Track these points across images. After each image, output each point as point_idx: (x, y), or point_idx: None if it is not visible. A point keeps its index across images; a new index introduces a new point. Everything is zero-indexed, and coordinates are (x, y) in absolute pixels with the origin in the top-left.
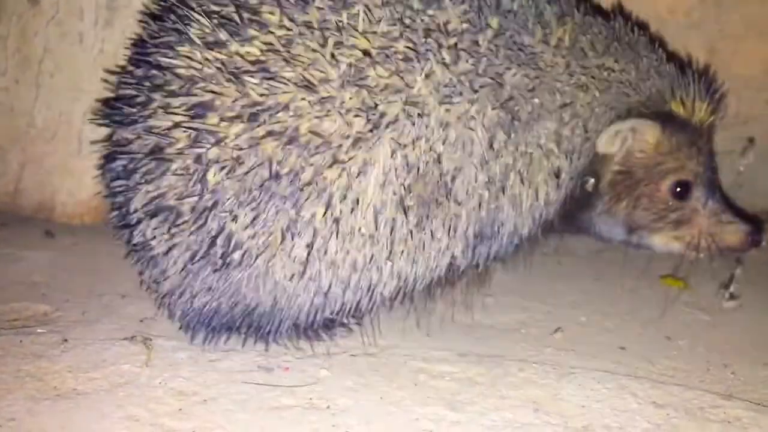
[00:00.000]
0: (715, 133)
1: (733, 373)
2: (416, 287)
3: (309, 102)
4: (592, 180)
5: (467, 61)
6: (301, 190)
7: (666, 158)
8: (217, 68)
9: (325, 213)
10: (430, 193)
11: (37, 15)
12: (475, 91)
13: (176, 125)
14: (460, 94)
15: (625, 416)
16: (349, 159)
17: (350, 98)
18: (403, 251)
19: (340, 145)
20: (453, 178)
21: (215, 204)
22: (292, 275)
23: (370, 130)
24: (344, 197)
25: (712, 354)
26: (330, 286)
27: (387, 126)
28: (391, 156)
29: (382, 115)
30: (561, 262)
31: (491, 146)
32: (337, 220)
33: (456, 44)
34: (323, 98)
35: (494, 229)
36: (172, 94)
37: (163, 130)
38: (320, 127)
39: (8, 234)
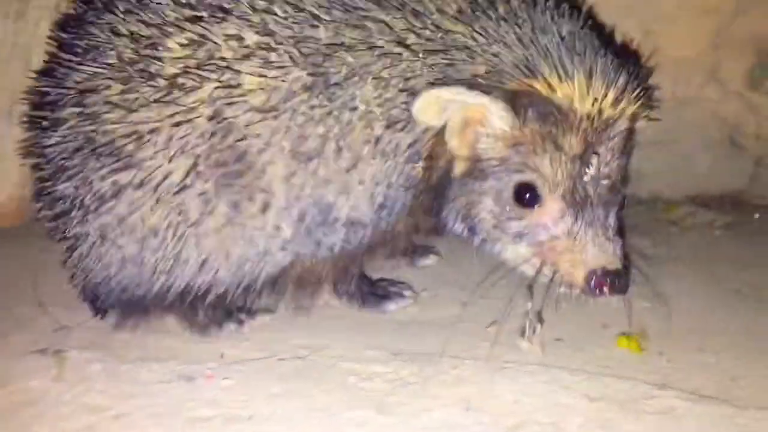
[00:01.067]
0: (617, 132)
1: (669, 361)
2: (261, 276)
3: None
4: (421, 163)
5: (276, 24)
6: (110, 158)
7: (514, 151)
8: None
9: (115, 175)
10: (225, 160)
11: None
12: (282, 54)
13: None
14: (264, 58)
15: (557, 411)
16: (140, 123)
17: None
18: (215, 227)
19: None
20: (255, 148)
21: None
22: (94, 242)
23: (162, 97)
24: (138, 163)
25: (648, 341)
26: (143, 258)
27: (178, 92)
28: (176, 122)
29: (172, 83)
30: None
31: (296, 110)
32: (139, 185)
33: (267, 8)
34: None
35: (324, 213)
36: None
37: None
38: (125, 97)
39: None
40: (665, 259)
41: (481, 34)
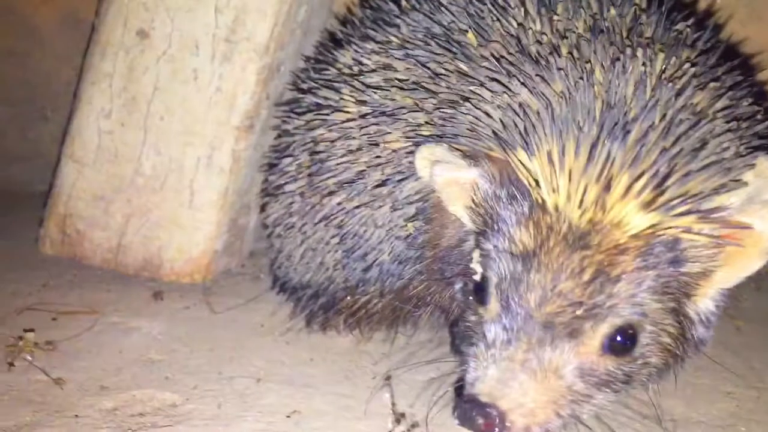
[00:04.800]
0: (602, 245)
1: None
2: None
3: None
4: (414, 222)
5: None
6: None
7: (485, 229)
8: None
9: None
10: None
11: (146, 50)
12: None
13: None
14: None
15: None
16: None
17: None
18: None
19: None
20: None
21: None
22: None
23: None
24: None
25: None
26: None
27: None
28: None
29: None
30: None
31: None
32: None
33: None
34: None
35: (354, 241)
36: None
37: None
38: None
39: (113, 297)
40: None
41: (487, 89)
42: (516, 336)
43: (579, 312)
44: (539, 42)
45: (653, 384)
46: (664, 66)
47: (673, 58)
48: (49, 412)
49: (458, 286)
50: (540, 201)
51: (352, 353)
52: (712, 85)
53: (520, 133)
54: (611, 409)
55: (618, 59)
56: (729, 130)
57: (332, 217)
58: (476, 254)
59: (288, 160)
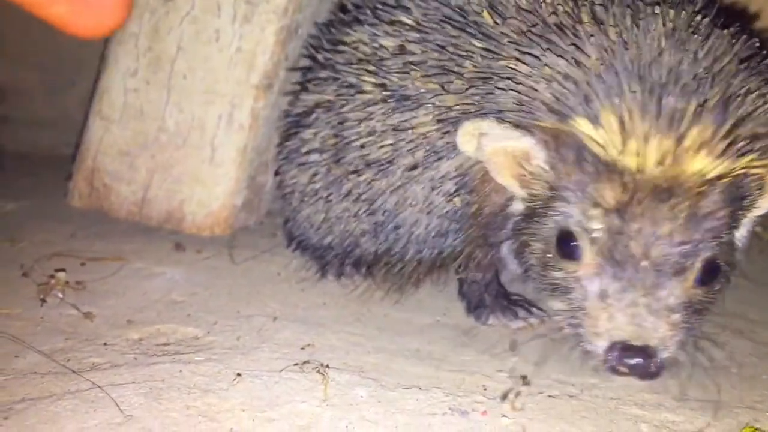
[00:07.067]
0: (685, 190)
1: None
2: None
3: None
4: (459, 197)
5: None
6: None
7: (557, 194)
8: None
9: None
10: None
11: (170, 11)
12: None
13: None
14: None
15: None
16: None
17: None
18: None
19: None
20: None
21: None
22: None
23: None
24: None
25: None
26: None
27: None
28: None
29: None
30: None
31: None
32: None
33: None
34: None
35: (389, 214)
36: None
37: None
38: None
39: (138, 247)
40: None
41: (524, 63)
42: (630, 283)
43: (682, 252)
44: (555, 14)
45: None
46: (681, 19)
47: (683, 12)
48: (79, 340)
49: (506, 247)
50: (617, 165)
51: (365, 300)
52: (725, 32)
53: (579, 103)
54: None
55: (641, 19)
56: (758, 72)
57: (361, 194)
58: (557, 206)
59: (310, 131)
